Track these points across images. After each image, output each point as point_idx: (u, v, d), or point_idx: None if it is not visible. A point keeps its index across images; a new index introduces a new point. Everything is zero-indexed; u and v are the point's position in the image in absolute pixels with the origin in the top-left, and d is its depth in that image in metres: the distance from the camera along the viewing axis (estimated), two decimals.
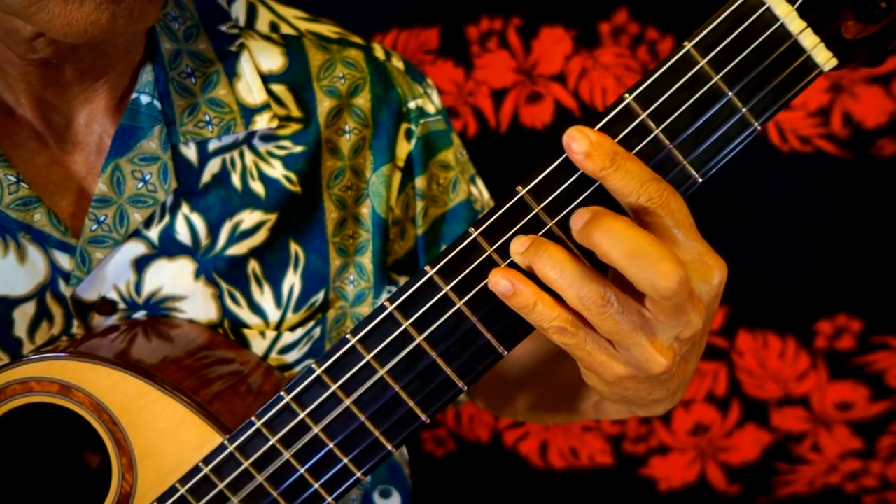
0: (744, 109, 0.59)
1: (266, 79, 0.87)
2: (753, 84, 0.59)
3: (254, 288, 0.87)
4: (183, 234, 0.84)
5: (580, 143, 0.59)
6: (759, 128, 0.60)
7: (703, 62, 0.59)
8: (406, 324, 0.65)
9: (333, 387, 0.67)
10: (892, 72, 1.36)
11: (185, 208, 0.84)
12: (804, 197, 1.42)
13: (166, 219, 0.84)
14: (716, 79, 0.59)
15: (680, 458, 1.55)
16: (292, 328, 0.89)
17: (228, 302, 0.86)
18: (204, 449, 0.72)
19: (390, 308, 0.65)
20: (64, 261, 0.81)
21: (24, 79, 0.77)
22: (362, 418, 0.67)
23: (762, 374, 1.50)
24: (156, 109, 0.82)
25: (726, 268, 0.61)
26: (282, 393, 0.68)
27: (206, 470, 0.71)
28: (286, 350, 0.88)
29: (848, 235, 1.43)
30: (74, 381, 0.73)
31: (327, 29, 0.92)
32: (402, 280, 0.95)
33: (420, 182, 0.93)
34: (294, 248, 0.88)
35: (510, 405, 1.00)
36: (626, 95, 0.60)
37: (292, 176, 0.87)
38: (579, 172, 0.60)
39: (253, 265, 0.87)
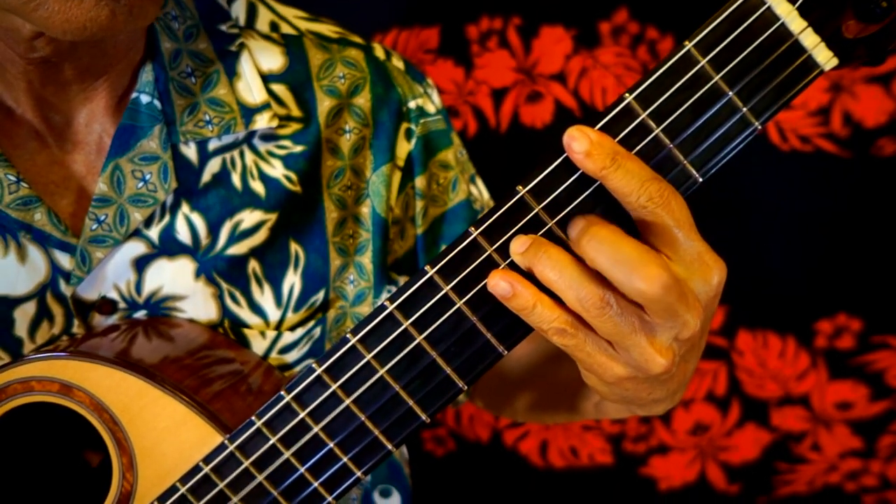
0: (744, 109, 0.59)
1: (266, 78, 0.87)
2: (754, 84, 0.59)
3: (254, 288, 0.87)
4: (183, 234, 0.84)
5: (580, 143, 0.59)
6: (759, 127, 0.60)
7: (703, 62, 0.59)
8: (406, 323, 0.65)
9: (333, 386, 0.67)
10: (893, 71, 1.36)
11: (185, 208, 0.84)
12: (804, 196, 1.42)
13: (166, 218, 0.84)
14: (716, 78, 0.59)
15: (680, 458, 1.55)
16: (292, 328, 0.89)
17: (228, 301, 0.86)
18: (204, 448, 0.72)
19: (390, 307, 0.65)
20: (64, 260, 0.81)
21: (24, 77, 0.77)
22: (362, 418, 0.67)
23: (762, 374, 1.50)
24: (156, 109, 0.82)
25: (725, 268, 0.61)
26: (282, 392, 0.68)
27: (206, 469, 0.71)
28: (286, 350, 0.88)
29: (848, 235, 1.43)
30: (75, 380, 0.73)
31: (327, 28, 0.92)
32: (402, 280, 0.95)
33: (420, 182, 0.93)
34: (294, 247, 0.88)
35: (510, 405, 1.00)
36: (627, 95, 0.60)
37: (292, 175, 0.87)
38: (579, 172, 0.60)
39: (253, 265, 0.87)
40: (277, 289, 0.88)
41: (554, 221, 0.61)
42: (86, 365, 0.73)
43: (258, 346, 0.87)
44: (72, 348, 0.78)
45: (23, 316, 0.81)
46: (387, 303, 0.65)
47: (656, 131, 0.60)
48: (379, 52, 0.93)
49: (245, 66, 0.86)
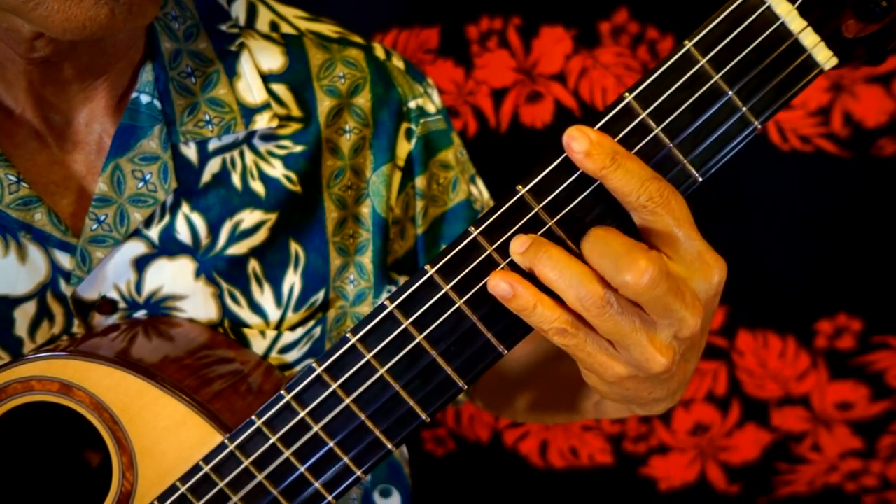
0: (744, 108, 0.59)
1: (266, 78, 0.87)
2: (754, 83, 0.59)
3: (254, 287, 0.87)
4: (183, 234, 0.84)
5: (580, 143, 0.59)
6: (759, 127, 0.60)
7: (703, 61, 0.59)
8: (406, 323, 0.65)
9: (334, 385, 0.67)
10: (893, 71, 1.36)
11: (185, 208, 0.84)
12: (804, 196, 1.43)
13: (166, 218, 0.84)
14: (716, 78, 0.59)
15: (680, 458, 1.55)
16: (292, 328, 0.89)
17: (229, 301, 0.86)
18: (204, 448, 0.72)
19: (390, 307, 0.65)
20: (64, 260, 0.81)
21: (25, 77, 0.77)
22: (362, 417, 0.67)
23: (762, 374, 1.50)
24: (156, 109, 0.82)
25: (726, 267, 0.61)
26: (282, 392, 0.68)
27: (206, 469, 0.71)
28: (286, 349, 0.88)
29: (848, 235, 1.43)
30: (75, 379, 0.73)
31: (328, 28, 0.92)
32: (403, 280, 0.95)
33: (420, 181, 0.93)
34: (294, 247, 0.88)
35: (510, 405, 1.00)
36: (627, 94, 0.60)
37: (292, 175, 0.87)
38: (579, 172, 0.60)
39: (253, 265, 0.87)
40: (277, 288, 0.88)
41: (554, 221, 0.61)
42: (86, 364, 0.73)
43: (258, 345, 0.87)
44: (72, 348, 0.78)
45: (23, 316, 0.81)
46: (387, 302, 0.65)
47: (656, 131, 0.60)
48: (379, 52, 0.93)
49: (245, 65, 0.86)
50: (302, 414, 0.68)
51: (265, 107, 0.85)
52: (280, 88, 0.87)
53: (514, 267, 0.62)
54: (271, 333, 0.88)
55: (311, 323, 0.90)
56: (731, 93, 0.59)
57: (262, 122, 0.85)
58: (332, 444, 0.68)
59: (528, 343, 0.75)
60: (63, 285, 0.81)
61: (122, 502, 0.74)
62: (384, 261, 0.93)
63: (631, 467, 1.57)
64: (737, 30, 0.58)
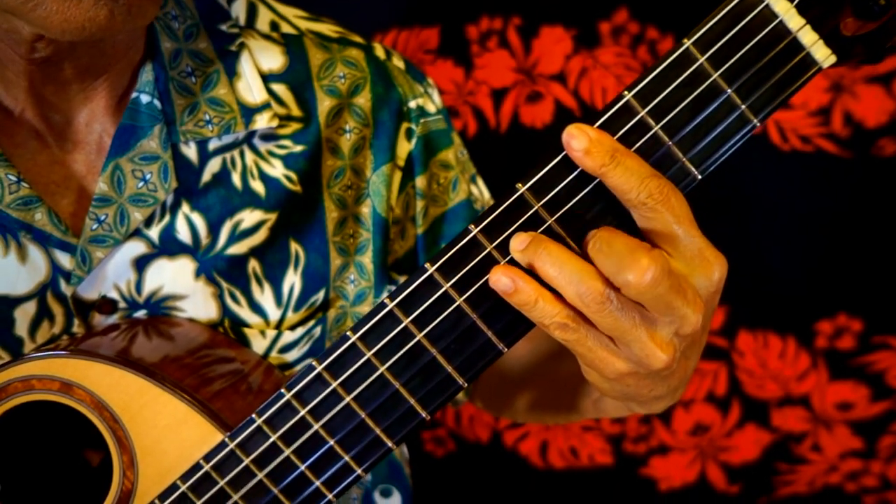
0: (743, 106, 0.59)
1: (266, 78, 0.87)
2: (752, 81, 0.59)
3: (254, 287, 0.87)
4: (183, 234, 0.84)
5: (579, 141, 0.59)
6: (758, 124, 0.60)
7: (702, 59, 0.59)
8: (406, 321, 0.65)
9: (334, 384, 0.67)
10: (893, 71, 1.36)
11: (185, 207, 0.84)
12: (805, 196, 1.43)
13: (167, 218, 0.84)
14: (715, 76, 0.59)
15: (680, 458, 1.55)
16: (292, 327, 0.89)
17: (229, 301, 0.86)
18: (205, 446, 0.72)
19: (390, 305, 0.65)
20: (65, 260, 0.81)
21: (25, 77, 0.77)
22: (363, 415, 0.67)
23: (762, 374, 1.50)
24: (156, 109, 0.82)
25: (726, 264, 0.62)
26: (282, 390, 0.68)
27: (206, 467, 0.71)
28: (286, 349, 0.89)
29: (848, 235, 1.43)
30: (75, 378, 0.73)
31: (328, 28, 0.92)
32: (403, 280, 0.95)
33: (420, 181, 0.93)
34: (294, 247, 0.89)
35: (510, 405, 1.00)
36: (626, 93, 0.60)
37: (292, 175, 0.87)
38: (579, 170, 0.61)
39: (253, 264, 0.87)
40: (277, 288, 0.88)
41: (553, 219, 0.61)
42: (86, 363, 0.73)
43: (258, 345, 0.87)
44: (72, 347, 0.78)
45: (23, 315, 0.81)
46: (387, 300, 0.65)
47: (655, 129, 0.60)
48: (379, 52, 0.93)
49: (245, 65, 0.86)
50: (302, 412, 0.68)
51: (265, 106, 0.85)
52: (280, 88, 0.87)
53: (513, 265, 0.62)
54: (271, 333, 0.88)
55: (312, 323, 0.90)
56: (730, 91, 0.59)
57: (262, 121, 0.85)
58: (332, 442, 0.68)
59: (528, 342, 0.75)
60: (63, 285, 0.81)
61: (123, 501, 0.74)
62: (384, 261, 0.93)
63: (631, 467, 1.57)
64: (735, 28, 0.58)
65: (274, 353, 0.88)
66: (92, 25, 0.68)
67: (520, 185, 0.62)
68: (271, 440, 0.69)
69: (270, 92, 0.86)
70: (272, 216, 0.87)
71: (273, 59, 0.88)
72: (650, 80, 0.59)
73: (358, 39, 0.93)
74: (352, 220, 0.91)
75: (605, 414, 0.85)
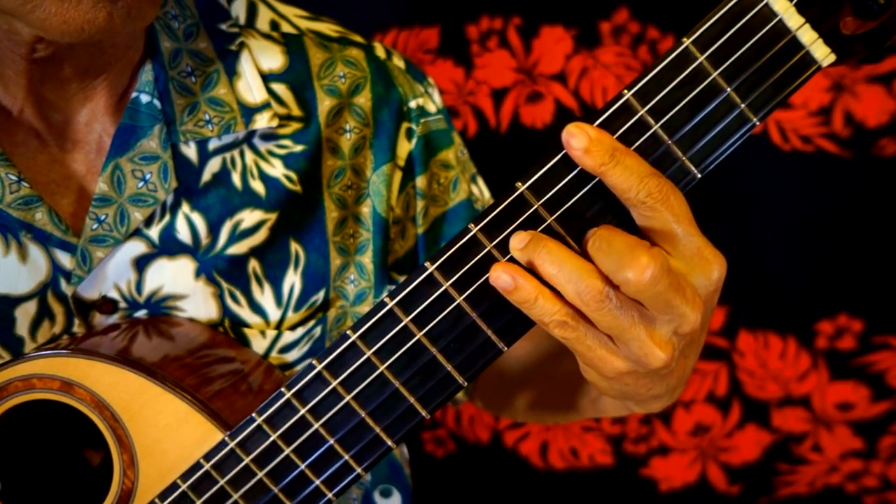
0: (742, 105, 0.59)
1: (266, 78, 0.87)
2: (752, 79, 0.59)
3: (254, 287, 0.87)
4: (183, 234, 0.84)
5: (579, 140, 0.59)
6: (757, 123, 0.60)
7: (701, 58, 0.59)
8: (406, 320, 0.65)
9: (334, 383, 0.67)
10: (894, 71, 1.36)
11: (185, 207, 0.84)
12: (805, 196, 1.43)
13: (167, 218, 0.84)
14: (714, 74, 0.59)
15: (680, 459, 1.55)
16: (293, 327, 0.89)
17: (229, 301, 0.86)
18: (205, 445, 0.72)
19: (391, 304, 0.65)
20: (65, 260, 0.81)
21: (24, 76, 0.77)
22: (363, 414, 0.67)
23: (763, 375, 1.50)
24: (156, 108, 0.82)
25: (725, 263, 0.62)
26: (282, 389, 0.68)
27: (207, 466, 0.71)
28: (286, 349, 0.89)
29: (849, 235, 1.43)
30: (76, 377, 0.73)
31: (328, 28, 0.92)
32: (403, 280, 0.95)
33: (421, 181, 0.93)
34: (294, 247, 0.89)
35: (509, 404, 1.00)
36: (625, 91, 0.60)
37: (292, 175, 0.87)
38: (579, 168, 0.61)
39: (253, 264, 0.87)
40: (278, 288, 0.88)
41: (553, 217, 0.61)
42: (87, 362, 0.73)
43: (258, 345, 0.87)
44: (73, 346, 0.78)
45: (24, 315, 0.81)
46: (387, 299, 0.65)
47: (655, 127, 0.60)
48: (380, 52, 0.93)
49: (245, 65, 0.86)
50: (302, 411, 0.68)
51: (265, 106, 0.85)
52: (280, 88, 0.87)
53: (513, 263, 0.62)
54: (271, 333, 0.88)
55: (312, 322, 0.90)
56: (729, 89, 0.59)
57: (262, 121, 0.85)
58: (332, 441, 0.69)
59: (528, 341, 0.75)
60: (64, 285, 0.81)
61: (123, 500, 0.74)
62: (384, 260, 0.93)
63: (631, 468, 1.57)
64: (735, 26, 0.58)
65: (274, 353, 0.88)
66: (91, 27, 0.68)
67: (519, 184, 0.62)
68: (271, 439, 0.69)
69: (270, 91, 0.86)
70: (272, 216, 0.87)
71: (273, 58, 0.88)
72: (650, 79, 0.60)
73: (358, 39, 0.93)
74: (352, 220, 0.91)
75: (603, 413, 0.85)
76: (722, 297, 0.64)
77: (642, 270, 0.56)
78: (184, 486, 0.72)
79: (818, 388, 1.50)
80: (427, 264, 0.64)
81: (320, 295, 0.90)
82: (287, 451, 0.69)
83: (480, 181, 1.02)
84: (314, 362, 0.67)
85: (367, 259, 0.92)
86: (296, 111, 0.87)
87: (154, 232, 0.83)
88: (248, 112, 0.85)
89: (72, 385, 0.73)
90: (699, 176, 0.61)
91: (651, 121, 0.60)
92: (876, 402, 1.50)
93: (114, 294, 0.83)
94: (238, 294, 0.87)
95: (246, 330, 0.87)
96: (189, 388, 0.74)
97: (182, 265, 0.85)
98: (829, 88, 1.38)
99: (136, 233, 0.83)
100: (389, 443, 0.68)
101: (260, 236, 0.87)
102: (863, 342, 1.47)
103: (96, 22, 0.68)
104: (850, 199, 1.42)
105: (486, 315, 0.64)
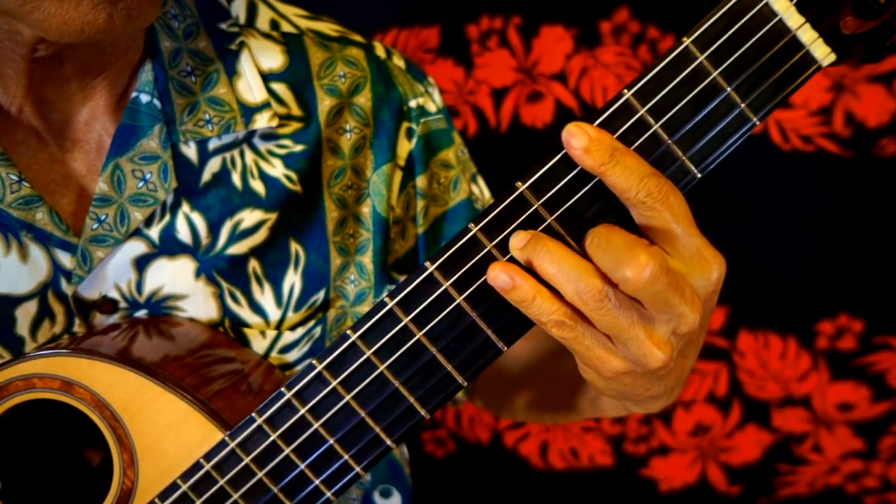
0: (742, 105, 0.59)
1: (266, 77, 0.87)
2: (752, 79, 0.59)
3: (254, 287, 0.87)
4: (183, 233, 0.84)
5: (579, 139, 0.59)
6: (757, 123, 0.60)
7: (701, 57, 0.59)
8: (406, 319, 0.65)
9: (334, 383, 0.67)
10: (894, 71, 1.36)
11: (185, 207, 0.84)
12: (805, 196, 1.43)
13: (167, 218, 0.84)
14: (714, 74, 0.59)
15: (680, 459, 1.55)
16: (293, 327, 0.89)
17: (229, 301, 0.86)
18: (205, 445, 0.72)
19: (390, 304, 0.65)
20: (65, 259, 0.81)
21: (24, 75, 0.77)
22: (362, 414, 0.67)
23: (763, 375, 1.50)
24: (155, 108, 0.82)
25: (725, 263, 0.62)
26: (282, 389, 0.68)
27: (207, 466, 0.71)
28: (287, 349, 0.89)
29: (849, 235, 1.43)
30: (76, 377, 0.73)
31: (328, 27, 0.92)
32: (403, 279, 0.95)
33: (421, 181, 0.93)
34: (294, 247, 0.89)
35: (509, 404, 1.00)
36: (625, 91, 0.60)
37: (293, 175, 0.87)
38: (578, 168, 0.61)
39: (253, 264, 0.87)
40: (278, 288, 0.88)
41: (553, 217, 0.61)
42: (87, 362, 0.73)
43: (258, 345, 0.87)
44: (73, 346, 0.78)
45: (24, 315, 0.81)
46: (387, 299, 0.65)
47: (655, 127, 0.60)
48: (380, 51, 0.93)
49: (245, 64, 0.86)
50: (302, 411, 0.68)
51: (265, 106, 0.85)
52: (280, 87, 0.87)
53: (513, 263, 0.62)
54: (271, 333, 0.88)
55: (312, 323, 0.90)
56: (729, 89, 0.59)
57: (262, 121, 0.85)
58: (332, 441, 0.69)
59: (527, 341, 0.75)
60: (64, 284, 0.82)
61: (123, 500, 0.74)
62: (385, 260, 0.93)
63: (631, 468, 1.57)
64: (735, 26, 0.58)
65: (274, 353, 0.88)
66: (91, 28, 0.68)
67: (519, 183, 0.62)
68: (271, 439, 0.69)
69: (270, 91, 0.86)
70: (272, 216, 0.87)
71: (273, 58, 0.88)
72: (650, 78, 0.60)
73: (358, 38, 0.93)
74: (352, 220, 0.91)
75: (601, 413, 0.85)
76: (722, 297, 0.64)
77: (641, 268, 0.56)
78: (184, 486, 0.72)
79: (818, 389, 1.50)
80: (427, 264, 0.64)
81: (320, 295, 0.90)
82: (287, 450, 0.69)
83: (481, 181, 1.02)
84: (314, 362, 0.67)
85: (367, 259, 0.92)
86: (296, 111, 0.87)
87: (154, 232, 0.83)
88: (248, 112, 0.85)
89: (72, 385, 0.73)
90: (699, 176, 0.61)
91: (651, 120, 0.60)
92: (876, 403, 1.50)
93: (114, 294, 0.83)
94: (238, 294, 0.87)
95: (246, 330, 0.87)
96: (189, 388, 0.74)
97: (182, 265, 0.85)
98: (830, 88, 1.38)
99: (137, 233, 0.83)
100: (389, 443, 0.68)
101: (260, 236, 0.87)
102: (863, 342, 1.47)
103: (96, 23, 0.68)
104: (851, 199, 1.42)
105: (486, 315, 0.64)
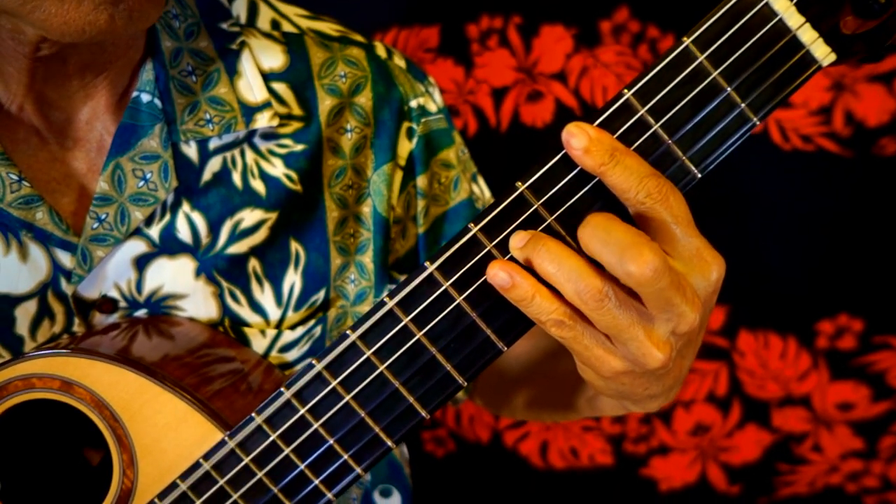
0: (742, 105, 0.59)
1: (267, 77, 0.87)
2: (752, 79, 0.59)
3: (254, 286, 0.87)
4: (184, 233, 0.84)
5: (579, 139, 0.59)
6: (757, 123, 0.60)
7: (701, 57, 0.59)
8: (406, 319, 0.65)
9: (334, 383, 0.67)
10: (894, 70, 1.36)
11: (185, 207, 0.84)
12: (806, 196, 1.43)
13: (167, 217, 0.84)
14: (715, 74, 0.59)
15: (680, 459, 1.55)
16: (293, 327, 0.89)
17: (229, 300, 0.86)
18: (205, 445, 0.72)
19: (390, 304, 0.65)
20: (65, 259, 0.81)
21: (26, 74, 0.77)
22: (362, 414, 0.67)
23: (763, 374, 1.50)
24: (156, 108, 0.82)
25: (724, 264, 0.61)
26: (282, 389, 0.68)
27: (206, 466, 0.71)
28: (286, 349, 0.89)
29: (849, 235, 1.43)
30: (76, 377, 0.73)
31: (329, 27, 0.92)
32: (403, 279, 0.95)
33: (421, 181, 0.93)
34: (295, 246, 0.89)
35: (509, 403, 1.00)
36: (625, 91, 0.60)
37: (293, 174, 0.87)
38: (578, 168, 0.61)
39: (253, 264, 0.87)
40: (278, 288, 0.88)
41: (553, 217, 0.61)
42: (86, 362, 0.73)
43: (258, 344, 0.87)
44: (73, 346, 0.78)
45: (24, 314, 0.81)
46: (386, 299, 0.65)
47: (655, 127, 0.60)
48: (380, 51, 0.93)
49: (246, 64, 0.86)
50: (302, 411, 0.68)
51: (266, 105, 0.85)
52: (281, 87, 0.87)
53: (513, 262, 0.62)
54: (271, 332, 0.88)
55: (312, 322, 0.90)
56: (729, 89, 0.59)
57: (263, 120, 0.85)
58: (331, 441, 0.68)
59: (527, 340, 0.75)
60: (64, 284, 0.81)
61: (123, 500, 0.74)
62: (385, 260, 0.93)
63: (631, 468, 1.57)
64: (735, 26, 0.58)
65: (274, 353, 0.88)
66: (92, 29, 0.68)
67: (519, 183, 0.62)
68: (271, 439, 0.69)
69: (271, 91, 0.86)
70: (272, 215, 0.87)
71: (274, 57, 0.88)
72: (650, 78, 0.60)
73: (359, 38, 0.93)
74: (352, 220, 0.91)
75: (600, 412, 0.85)
76: (722, 297, 0.64)
77: (645, 264, 0.56)
78: (183, 486, 0.72)
79: (818, 388, 1.50)
80: (427, 264, 0.64)
81: (320, 294, 0.90)
82: (287, 450, 0.69)
83: (481, 180, 1.02)
84: (314, 362, 0.67)
85: (367, 259, 0.92)
86: (296, 110, 0.87)
87: (154, 231, 0.83)
88: (249, 111, 0.85)
89: (71, 384, 0.73)
90: (699, 176, 0.61)
91: (651, 120, 0.60)
92: (876, 402, 1.50)
93: (114, 293, 0.83)
94: (238, 293, 0.87)
95: (246, 329, 0.87)
96: (189, 388, 0.74)
97: (182, 264, 0.85)
98: (830, 88, 1.38)
99: (137, 232, 0.83)
100: (389, 443, 0.68)
101: (260, 235, 0.87)
102: (863, 342, 1.47)
103: (97, 24, 0.68)
104: (851, 199, 1.42)
105: (486, 315, 0.64)
